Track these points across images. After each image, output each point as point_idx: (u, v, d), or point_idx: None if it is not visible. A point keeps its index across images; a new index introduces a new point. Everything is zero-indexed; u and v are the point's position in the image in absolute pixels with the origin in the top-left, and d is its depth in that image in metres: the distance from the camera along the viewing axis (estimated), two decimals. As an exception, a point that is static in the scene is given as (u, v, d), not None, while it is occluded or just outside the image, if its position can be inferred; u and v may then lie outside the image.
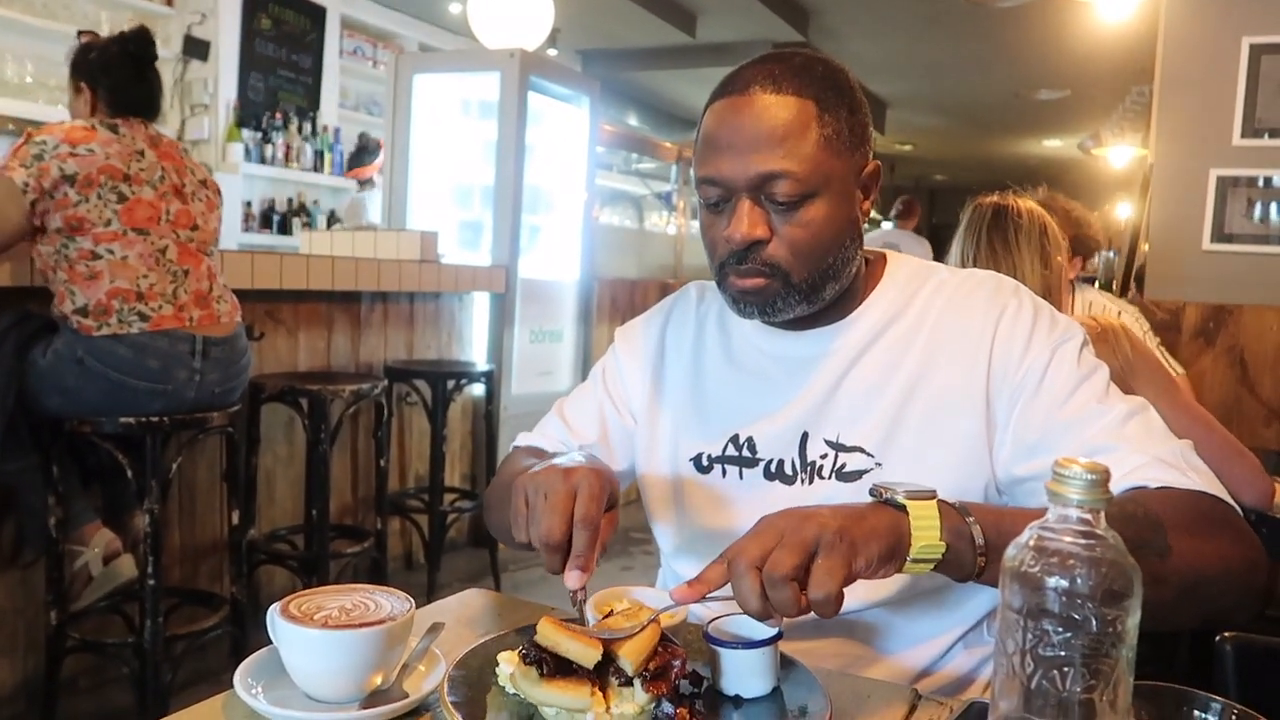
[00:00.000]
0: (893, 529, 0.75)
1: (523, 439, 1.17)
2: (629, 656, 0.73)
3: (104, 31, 3.77)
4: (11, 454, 2.16)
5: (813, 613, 0.72)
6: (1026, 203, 1.93)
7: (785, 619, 0.74)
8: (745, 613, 0.73)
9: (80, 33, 2.46)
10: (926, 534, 0.75)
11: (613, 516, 0.86)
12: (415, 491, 3.66)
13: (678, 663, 0.76)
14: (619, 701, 0.73)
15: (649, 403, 1.13)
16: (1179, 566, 0.80)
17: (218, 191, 2.49)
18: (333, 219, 6.07)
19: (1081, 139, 8.99)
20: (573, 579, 0.81)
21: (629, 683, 0.74)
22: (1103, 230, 2.55)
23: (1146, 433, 0.92)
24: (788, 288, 0.96)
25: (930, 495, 0.77)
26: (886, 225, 7.57)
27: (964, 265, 1.90)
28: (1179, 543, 0.80)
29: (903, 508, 0.76)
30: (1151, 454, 0.89)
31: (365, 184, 5.35)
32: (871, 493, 0.80)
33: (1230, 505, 0.87)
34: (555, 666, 0.74)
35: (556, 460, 0.87)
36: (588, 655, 0.73)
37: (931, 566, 0.77)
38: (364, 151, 5.60)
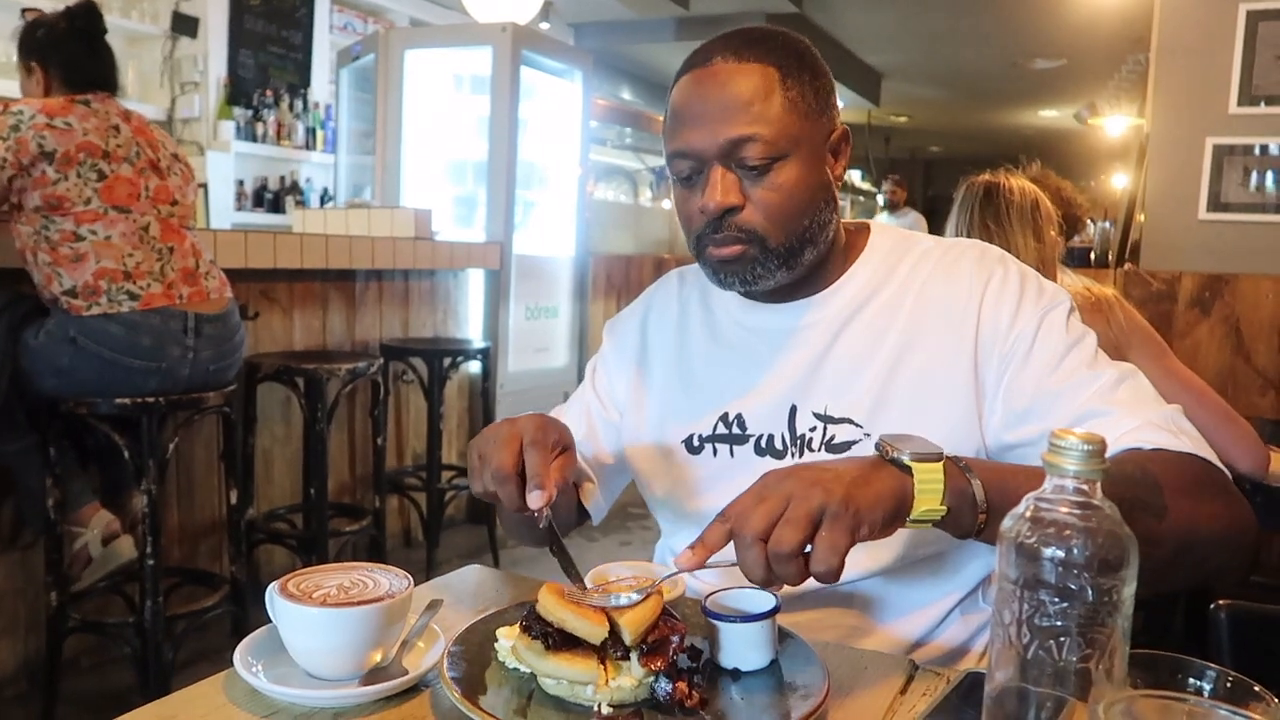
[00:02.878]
0: (896, 492, 0.74)
1: None
2: (628, 628, 0.74)
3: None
4: (8, 436, 2.15)
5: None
6: (1018, 180, 1.96)
7: (784, 589, 0.75)
8: (749, 581, 0.73)
9: (24, 10, 2.41)
10: (929, 497, 0.75)
11: (567, 458, 0.89)
12: (413, 469, 3.66)
13: (676, 638, 0.76)
14: (617, 674, 0.74)
15: (634, 392, 1.14)
16: (1174, 527, 0.81)
17: (190, 165, 2.46)
18: (326, 197, 6.05)
19: (1078, 109, 8.95)
20: (533, 498, 0.84)
21: (626, 655, 0.74)
22: (1090, 205, 2.56)
23: (1137, 397, 0.93)
24: (765, 253, 0.97)
25: (937, 456, 0.76)
26: (882, 217, 7.56)
27: None
28: (1175, 503, 0.81)
29: (908, 469, 0.75)
30: (1143, 418, 0.90)
31: None
32: (877, 448, 0.79)
33: (1220, 468, 0.88)
34: (561, 639, 0.74)
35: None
36: (594, 632, 0.74)
37: (929, 525, 0.77)
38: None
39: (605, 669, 0.74)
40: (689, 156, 0.96)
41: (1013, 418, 0.95)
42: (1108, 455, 0.84)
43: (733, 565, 0.73)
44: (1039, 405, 0.93)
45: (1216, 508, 0.85)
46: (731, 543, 0.73)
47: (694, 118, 0.96)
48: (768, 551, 0.70)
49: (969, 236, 1.91)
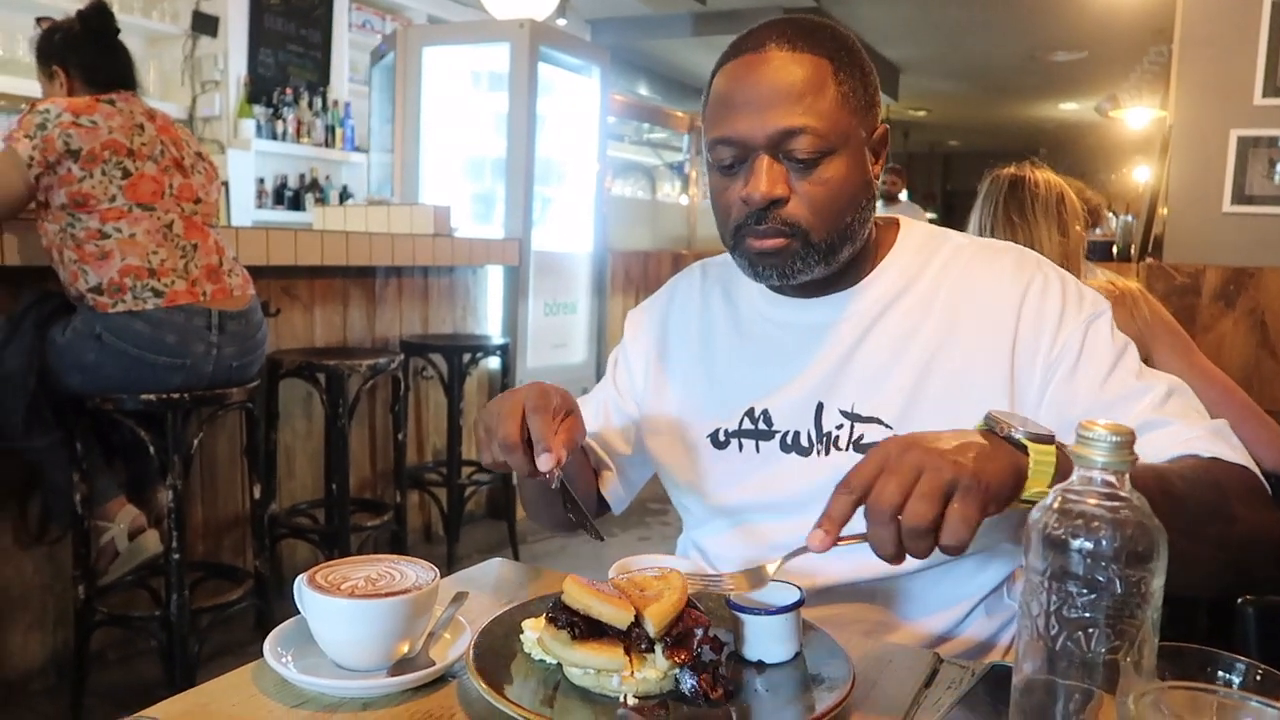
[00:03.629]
0: (1014, 469, 0.72)
1: None
2: (652, 619, 0.74)
3: (116, 11, 3.74)
4: (35, 432, 2.18)
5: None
6: (1044, 173, 1.94)
7: (810, 582, 0.75)
8: (877, 555, 0.71)
9: (39, 20, 2.45)
10: (1040, 480, 0.73)
11: (572, 420, 0.91)
12: (433, 465, 3.68)
13: (700, 630, 0.76)
14: (642, 666, 0.74)
15: (655, 384, 1.14)
16: (1240, 534, 0.81)
17: (213, 164, 2.48)
18: (345, 194, 6.08)
19: (1099, 101, 8.86)
20: (542, 461, 0.85)
21: (651, 647, 0.74)
22: (1104, 198, 2.55)
23: (1189, 410, 0.93)
24: (807, 247, 0.95)
25: (1050, 438, 0.74)
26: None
27: (982, 235, 1.90)
28: (1240, 511, 0.82)
29: (1023, 448, 0.73)
30: (1201, 428, 0.90)
31: None
32: (988, 421, 0.77)
33: (1265, 484, 0.89)
34: (587, 629, 0.74)
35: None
36: (620, 617, 0.74)
37: (1027, 507, 0.75)
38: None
39: (631, 660, 0.74)
40: (734, 144, 0.94)
41: (1062, 428, 0.94)
42: (1166, 459, 0.86)
43: (861, 540, 0.72)
44: (1092, 416, 0.92)
45: (1270, 520, 0.86)
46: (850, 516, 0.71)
47: (743, 104, 0.93)
48: (901, 526, 0.69)
49: (993, 230, 1.90)
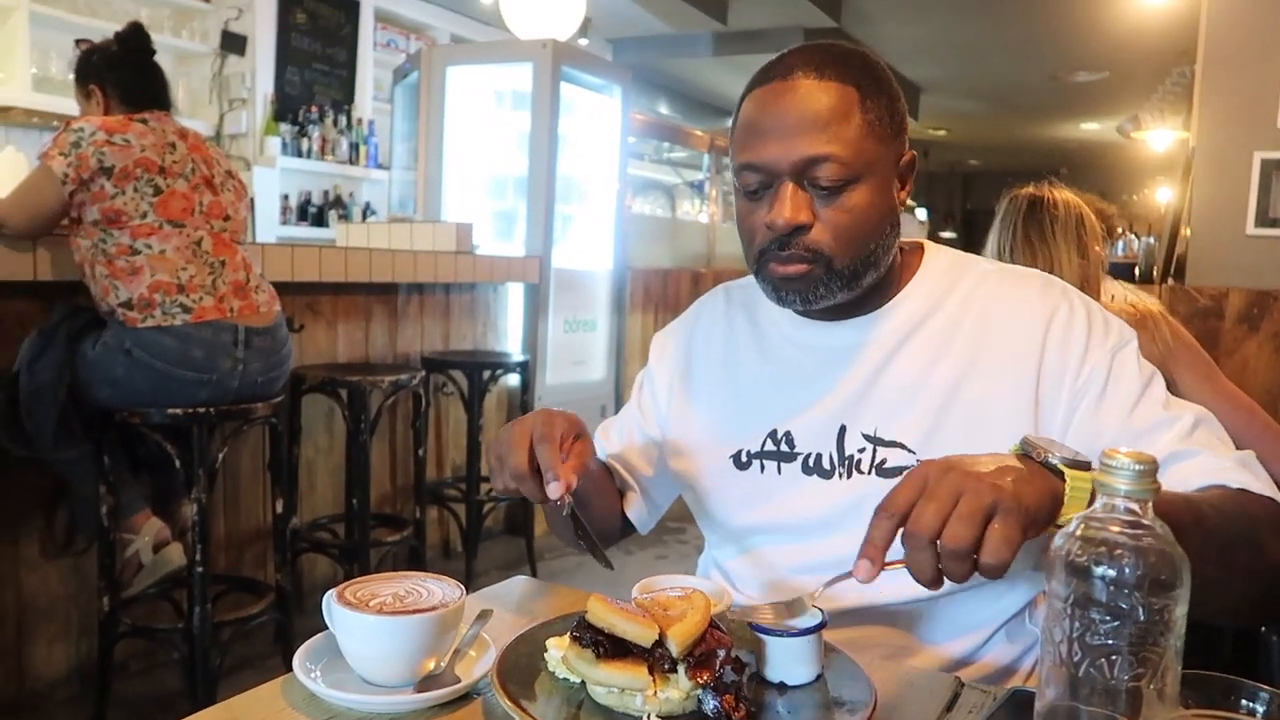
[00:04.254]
0: (1053, 495, 0.72)
1: None
2: (675, 640, 0.74)
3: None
4: (64, 444, 2.21)
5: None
6: (1063, 193, 1.93)
7: (832, 604, 0.75)
8: (915, 580, 0.72)
9: (78, 41, 2.52)
10: (1076, 505, 0.72)
11: (582, 445, 0.92)
12: (453, 481, 3.70)
13: (723, 651, 0.76)
14: (665, 686, 0.74)
15: (679, 405, 1.15)
16: (1270, 564, 0.81)
17: (243, 182, 2.53)
18: (369, 211, 6.14)
19: (1120, 122, 8.84)
20: (552, 490, 0.87)
21: (674, 668, 0.75)
22: (1117, 209, 2.55)
23: (1216, 440, 0.93)
24: (830, 274, 0.96)
25: (1086, 464, 0.74)
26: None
27: (1000, 257, 1.90)
28: (1270, 541, 0.82)
29: (1060, 473, 0.73)
30: (1228, 459, 0.90)
31: None
32: (1025, 446, 0.77)
33: None
34: (611, 647, 0.75)
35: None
36: (645, 635, 0.74)
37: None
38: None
39: (654, 680, 0.75)
40: (760, 170, 0.96)
41: (1091, 458, 0.94)
42: (1198, 488, 0.86)
43: (900, 565, 0.72)
44: (1120, 446, 0.92)
45: None
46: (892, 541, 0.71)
47: (769, 131, 0.95)
48: (940, 550, 0.69)
49: (1011, 251, 1.90)
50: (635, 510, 1.17)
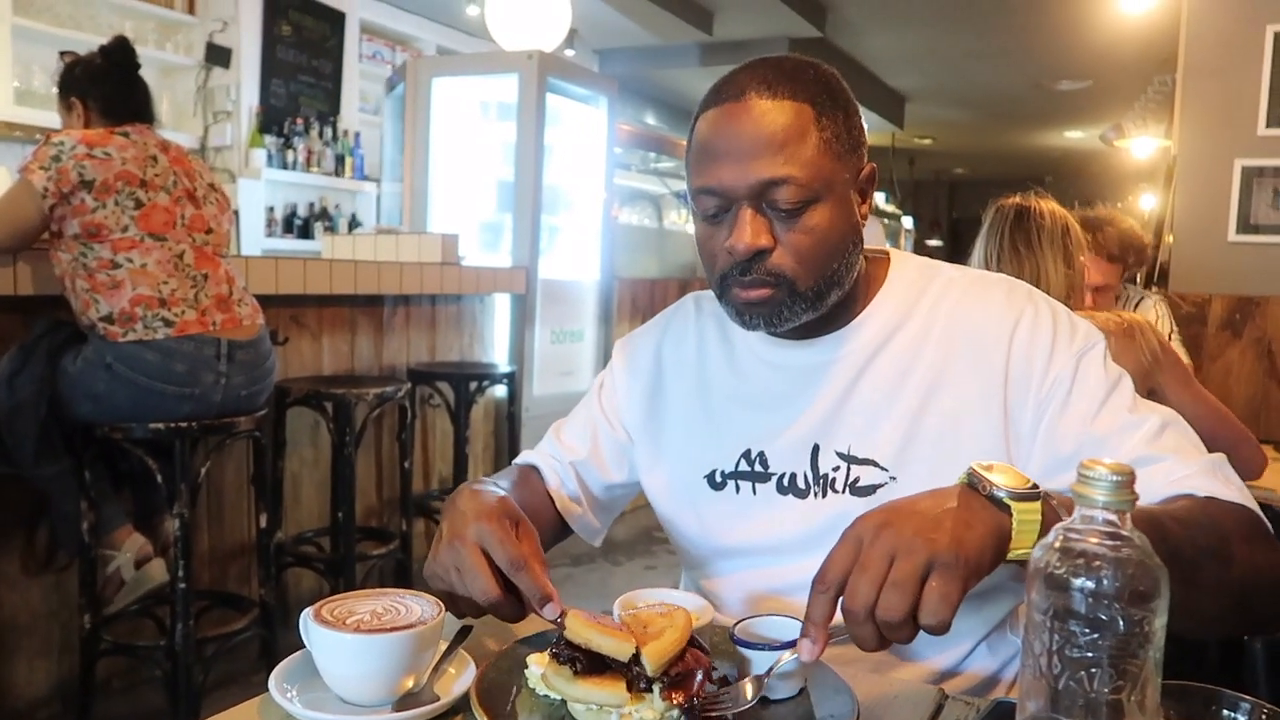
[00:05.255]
0: (998, 533, 0.71)
1: (522, 458, 1.16)
2: (650, 658, 0.73)
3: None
4: (45, 460, 2.19)
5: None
6: (1048, 203, 1.96)
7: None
8: (863, 651, 0.71)
9: (62, 53, 2.50)
10: (1025, 539, 0.71)
11: (526, 530, 0.86)
12: (439, 493, 3.68)
13: (700, 673, 0.75)
14: (639, 705, 0.73)
15: (650, 419, 1.12)
16: (1240, 576, 0.80)
17: (225, 195, 2.51)
18: (354, 223, 6.12)
19: (1103, 130, 8.90)
20: (548, 611, 0.81)
21: (649, 687, 0.74)
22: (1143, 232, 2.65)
23: (1184, 444, 0.92)
24: (793, 296, 0.94)
25: (1035, 495, 0.72)
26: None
27: (988, 267, 1.92)
28: (1240, 552, 0.80)
29: (1007, 508, 0.72)
30: (1195, 465, 0.88)
31: None
32: (971, 480, 0.74)
33: (1264, 520, 0.87)
34: (588, 664, 0.74)
35: (451, 523, 0.86)
36: (621, 650, 0.73)
37: (1017, 564, 0.74)
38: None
39: (629, 697, 0.74)
40: (717, 194, 0.93)
41: (1056, 463, 0.93)
42: (1160, 499, 0.85)
43: (844, 637, 0.71)
44: (1084, 450, 0.91)
45: (1273, 559, 0.84)
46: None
47: (724, 154, 0.92)
48: (878, 624, 0.68)
49: (999, 260, 1.91)
50: (583, 523, 1.13)
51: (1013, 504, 0.72)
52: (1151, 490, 0.86)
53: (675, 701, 0.73)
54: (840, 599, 0.71)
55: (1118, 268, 2.57)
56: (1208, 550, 0.77)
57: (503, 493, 0.90)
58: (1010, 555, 0.72)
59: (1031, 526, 0.72)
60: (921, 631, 0.69)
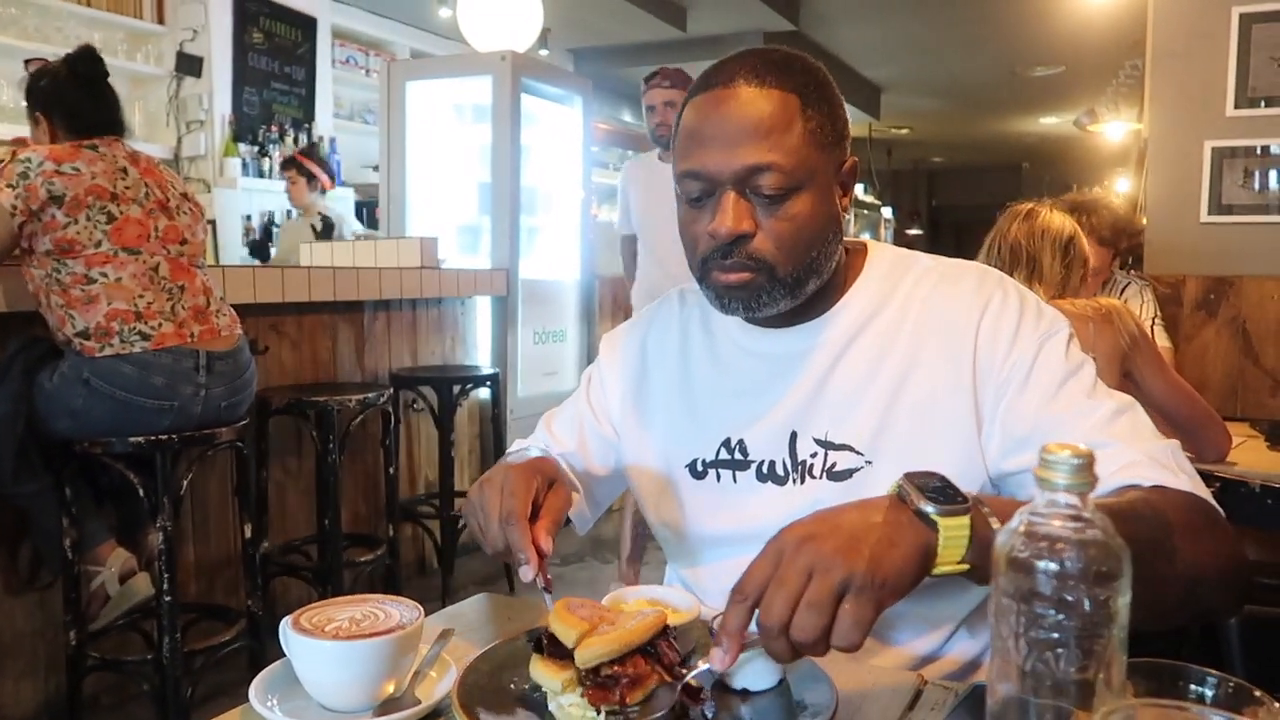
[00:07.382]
0: (921, 551, 0.71)
1: (515, 446, 1.19)
2: (581, 653, 0.73)
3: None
4: (24, 478, 2.18)
5: None
6: (1058, 213, 2.05)
7: None
8: (777, 663, 0.73)
9: (27, 62, 2.46)
10: (952, 552, 0.72)
11: (558, 495, 0.91)
12: (426, 497, 3.68)
13: (650, 679, 0.75)
14: (570, 695, 0.74)
15: (634, 411, 1.14)
16: (1183, 569, 0.80)
17: (199, 204, 2.49)
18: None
19: (1077, 115, 8.97)
20: (523, 573, 0.84)
21: (585, 681, 0.74)
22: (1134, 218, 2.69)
23: (1136, 431, 0.92)
24: (773, 282, 0.96)
25: (964, 508, 0.72)
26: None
27: (988, 258, 2.04)
28: (1184, 545, 0.80)
29: (934, 524, 0.72)
30: (1143, 453, 0.89)
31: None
32: (900, 494, 0.75)
33: (1215, 506, 0.88)
34: (551, 647, 0.76)
35: (494, 468, 0.94)
36: (567, 635, 0.74)
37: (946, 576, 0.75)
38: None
39: (563, 685, 0.75)
40: (702, 178, 0.95)
41: (1011, 445, 0.94)
42: (1108, 490, 0.86)
43: (758, 648, 0.72)
44: (1037, 432, 0.92)
45: (1220, 548, 0.84)
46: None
47: (710, 139, 0.94)
48: (791, 640, 0.68)
49: (1001, 247, 2.01)
50: (578, 513, 1.16)
51: (939, 519, 0.72)
52: (1101, 475, 0.87)
53: (595, 702, 0.73)
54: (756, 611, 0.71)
55: (1109, 251, 2.60)
56: (1153, 545, 0.76)
57: (552, 456, 0.95)
58: (935, 570, 0.72)
59: (959, 541, 0.72)
60: (875, 627, 0.70)
